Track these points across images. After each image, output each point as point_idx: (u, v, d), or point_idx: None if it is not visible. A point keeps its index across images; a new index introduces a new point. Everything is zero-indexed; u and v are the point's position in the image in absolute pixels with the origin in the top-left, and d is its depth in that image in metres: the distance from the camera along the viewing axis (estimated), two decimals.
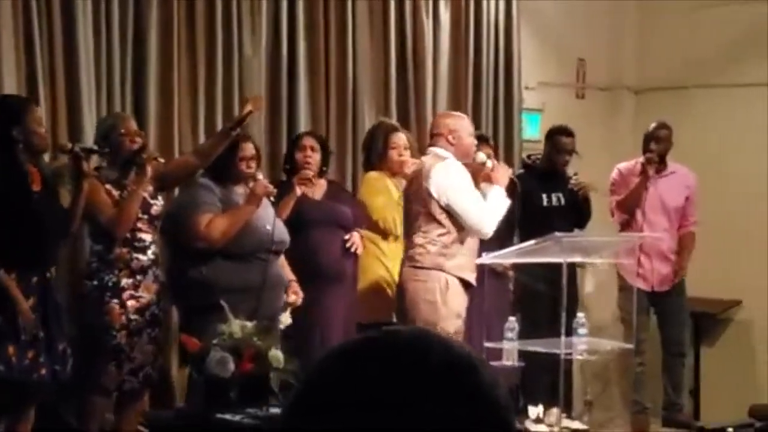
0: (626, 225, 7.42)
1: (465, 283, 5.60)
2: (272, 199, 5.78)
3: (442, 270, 5.57)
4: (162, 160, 5.44)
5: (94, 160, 5.42)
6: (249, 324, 4.66)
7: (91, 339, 5.25)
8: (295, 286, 5.96)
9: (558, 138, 7.31)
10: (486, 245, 5.84)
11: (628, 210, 7.39)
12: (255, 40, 7.02)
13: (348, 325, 6.23)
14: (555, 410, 7.24)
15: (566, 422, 7.26)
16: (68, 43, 6.26)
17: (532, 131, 8.47)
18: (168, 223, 5.91)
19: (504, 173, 5.60)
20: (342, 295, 6.30)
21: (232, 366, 4.44)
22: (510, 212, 6.37)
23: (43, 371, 4.89)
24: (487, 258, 5.54)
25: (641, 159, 7.42)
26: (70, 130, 6.16)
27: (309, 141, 6.40)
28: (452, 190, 5.52)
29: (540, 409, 7.05)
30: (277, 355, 4.57)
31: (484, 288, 5.93)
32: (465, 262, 5.56)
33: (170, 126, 6.61)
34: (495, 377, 1.12)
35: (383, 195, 6.47)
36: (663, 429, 7.40)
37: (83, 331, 5.31)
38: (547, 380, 6.56)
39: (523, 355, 6.10)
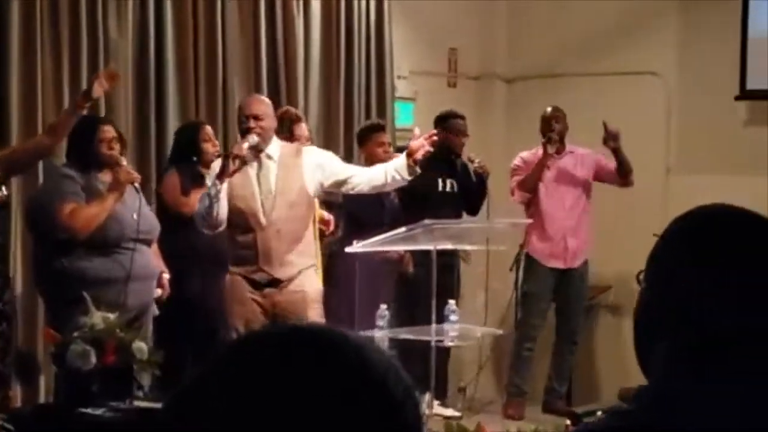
0: (530, 204, 7.52)
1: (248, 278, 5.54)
2: (137, 185, 5.66)
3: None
4: None
5: None
6: (112, 316, 4.55)
7: None
8: (164, 279, 5.87)
9: (453, 121, 7.43)
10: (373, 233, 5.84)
11: (530, 188, 7.50)
12: (121, 27, 6.87)
13: None
14: (426, 397, 7.27)
15: (440, 409, 7.29)
16: None
17: (405, 119, 8.48)
18: (31, 213, 5.77)
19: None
20: None
21: (93, 359, 4.33)
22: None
23: None
24: (357, 246, 5.51)
25: (539, 150, 7.54)
26: None
27: (210, 130, 6.46)
28: None
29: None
30: (140, 346, 4.47)
31: (356, 276, 5.93)
32: (245, 256, 5.51)
33: (34, 113, 6.42)
34: (403, 384, 1.05)
35: None
36: (541, 416, 7.46)
37: None
38: (421, 368, 6.56)
39: (398, 343, 6.09)
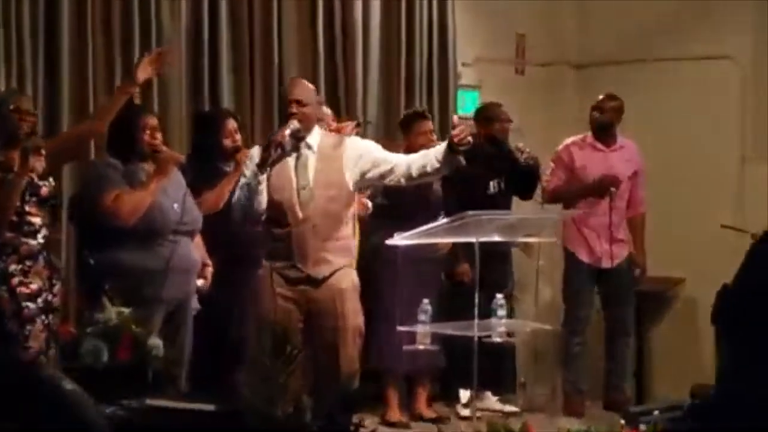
0: None
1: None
2: (181, 170, 5.55)
3: None
4: (43, 151, 5.13)
5: None
6: (126, 310, 4.43)
7: None
8: (207, 271, 5.71)
9: (491, 109, 7.19)
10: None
11: (557, 202, 7.27)
12: (174, 15, 6.79)
13: None
14: (465, 394, 7.08)
15: (498, 405, 7.11)
16: None
17: (469, 108, 8.28)
18: (74, 205, 5.73)
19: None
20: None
21: (105, 355, 4.23)
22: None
23: None
24: (398, 239, 5.32)
25: (590, 133, 7.29)
26: None
27: (232, 124, 6.10)
28: None
29: (469, 393, 6.89)
30: (156, 343, 4.35)
31: (397, 271, 5.77)
32: (280, 251, 5.22)
33: (85, 100, 6.37)
34: None
35: None
36: (602, 412, 7.23)
37: None
38: (486, 363, 6.38)
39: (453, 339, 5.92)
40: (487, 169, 6.99)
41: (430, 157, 5.08)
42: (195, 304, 5.59)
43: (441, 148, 5.04)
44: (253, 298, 5.29)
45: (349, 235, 5.33)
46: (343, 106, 7.24)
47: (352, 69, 7.51)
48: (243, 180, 5.24)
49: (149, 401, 4.08)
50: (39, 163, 5.08)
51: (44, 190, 5.11)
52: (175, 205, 5.45)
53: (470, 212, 5.13)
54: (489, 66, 8.44)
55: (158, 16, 6.72)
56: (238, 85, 7.05)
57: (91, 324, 4.34)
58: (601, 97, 7.39)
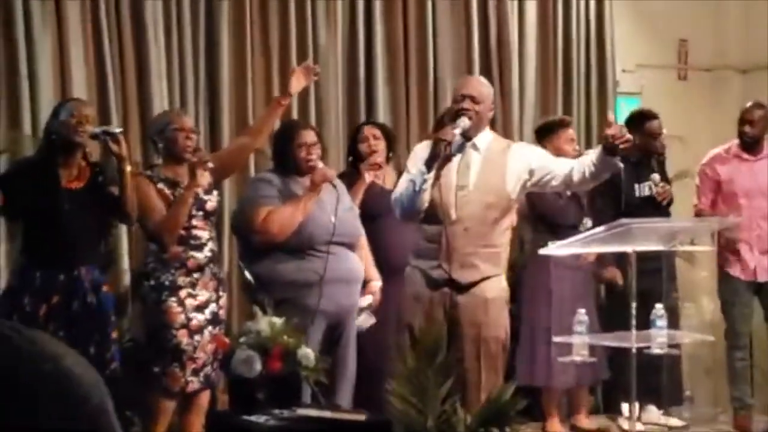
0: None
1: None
2: (335, 183, 5.57)
3: None
4: (211, 165, 5.23)
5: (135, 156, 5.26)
6: (278, 321, 4.46)
7: (153, 340, 5.11)
8: (374, 287, 5.70)
9: (650, 123, 6.95)
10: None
11: None
12: (330, 29, 6.88)
13: None
14: (652, 407, 6.92)
15: (662, 419, 6.93)
16: (138, 42, 6.25)
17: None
18: (235, 220, 5.85)
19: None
20: None
21: (258, 365, 4.26)
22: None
23: None
24: (552, 248, 5.23)
25: (735, 142, 7.02)
26: (143, 129, 6.13)
27: (371, 130, 6.17)
28: None
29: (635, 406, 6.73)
30: (306, 353, 4.36)
31: (551, 280, 5.67)
32: (429, 249, 4.99)
33: (244, 117, 6.54)
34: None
35: None
36: None
37: (146, 332, 5.19)
38: (644, 376, 6.23)
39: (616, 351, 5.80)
40: (634, 172, 6.83)
41: (587, 162, 4.86)
42: (366, 321, 5.59)
43: (596, 151, 4.86)
44: (399, 301, 5.19)
45: (503, 244, 5.07)
46: (499, 115, 7.17)
47: (507, 77, 7.45)
48: (407, 176, 5.01)
49: (300, 411, 4.11)
50: (204, 178, 5.20)
51: (210, 205, 5.24)
52: (332, 218, 5.49)
53: (623, 220, 4.99)
54: (651, 72, 8.25)
55: (315, 31, 6.81)
56: (394, 97, 7.07)
57: (244, 335, 4.40)
58: (748, 104, 7.06)
